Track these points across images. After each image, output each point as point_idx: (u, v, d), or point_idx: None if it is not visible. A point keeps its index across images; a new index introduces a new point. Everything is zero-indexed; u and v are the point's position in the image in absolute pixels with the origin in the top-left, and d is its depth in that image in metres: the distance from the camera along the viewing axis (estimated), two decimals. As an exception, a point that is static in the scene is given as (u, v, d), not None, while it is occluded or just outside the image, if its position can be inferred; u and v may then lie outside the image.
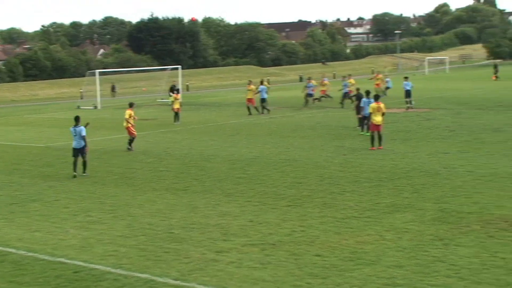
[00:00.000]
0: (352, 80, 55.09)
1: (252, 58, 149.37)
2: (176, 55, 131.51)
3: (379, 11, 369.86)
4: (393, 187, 21.11)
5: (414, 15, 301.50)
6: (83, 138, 25.42)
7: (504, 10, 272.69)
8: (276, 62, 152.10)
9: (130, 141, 31.68)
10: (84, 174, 25.42)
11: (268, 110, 48.38)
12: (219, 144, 32.58)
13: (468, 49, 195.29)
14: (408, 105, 48.73)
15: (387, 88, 62.06)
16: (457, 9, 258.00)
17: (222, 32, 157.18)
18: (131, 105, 32.57)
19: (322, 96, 56.92)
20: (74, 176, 25.01)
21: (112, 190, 22.45)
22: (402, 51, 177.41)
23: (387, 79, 65.00)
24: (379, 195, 20.02)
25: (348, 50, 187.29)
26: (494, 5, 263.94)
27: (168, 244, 15.45)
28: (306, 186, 21.74)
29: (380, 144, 29.21)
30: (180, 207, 19.38)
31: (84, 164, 25.66)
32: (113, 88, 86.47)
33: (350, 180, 22.53)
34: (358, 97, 36.85)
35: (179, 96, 46.71)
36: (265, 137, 34.80)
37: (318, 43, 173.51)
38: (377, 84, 61.07)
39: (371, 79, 64.56)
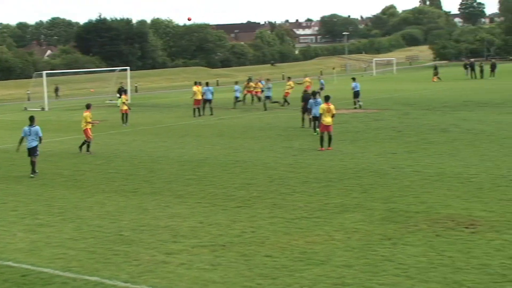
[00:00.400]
0: (308, 79, 56.06)
1: (201, 59, 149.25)
2: (124, 56, 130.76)
3: (327, 12, 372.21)
4: (342, 187, 21.28)
5: (361, 17, 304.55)
6: (39, 138, 25.38)
7: (449, 12, 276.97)
8: (225, 63, 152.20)
9: (85, 144, 31.14)
10: (31, 175, 25.26)
11: (211, 112, 48.47)
12: (168, 146, 32.48)
13: (414, 51, 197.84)
14: (356, 106, 49.36)
15: (321, 89, 62.78)
16: (404, 11, 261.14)
17: (171, 33, 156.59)
18: (88, 107, 32.03)
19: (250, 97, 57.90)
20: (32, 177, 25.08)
21: (61, 192, 22.22)
22: (350, 52, 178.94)
23: (321, 81, 66.07)
24: (328, 195, 20.16)
25: (296, 52, 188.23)
26: (440, 7, 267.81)
27: (118, 247, 15.35)
28: (256, 187, 21.79)
29: (329, 145, 29.41)
30: (130, 209, 19.26)
31: (33, 164, 25.48)
32: (56, 90, 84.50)
33: (300, 180, 22.64)
34: (305, 98, 37.41)
35: (127, 97, 46.27)
36: (214, 138, 34.80)
37: (267, 44, 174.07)
38: (308, 86, 60.91)
39: (300, 83, 65.09)
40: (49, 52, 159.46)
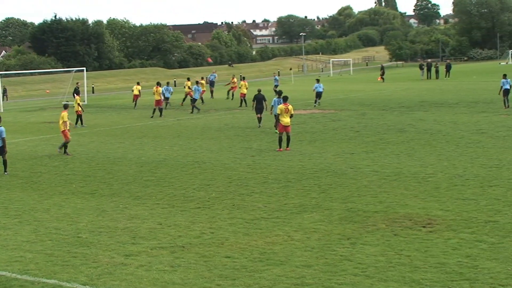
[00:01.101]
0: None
1: (158, 60, 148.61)
2: (81, 56, 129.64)
3: (284, 13, 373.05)
4: (301, 187, 21.36)
5: (318, 18, 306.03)
6: (2, 139, 25.53)
7: (404, 13, 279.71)
8: (182, 64, 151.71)
9: (64, 145, 30.76)
10: (5, 173, 25.61)
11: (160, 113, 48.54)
12: (126, 147, 32.30)
13: (371, 51, 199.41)
14: (315, 104, 49.83)
15: (276, 86, 63.46)
16: (360, 12, 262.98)
17: (127, 33, 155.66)
18: (65, 107, 31.59)
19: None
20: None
21: (17, 194, 21.96)
22: (307, 53, 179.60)
23: (276, 77, 66.62)
24: (287, 195, 20.22)
25: (254, 52, 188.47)
26: (395, 8, 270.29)
27: (76, 249, 15.22)
28: (215, 188, 21.78)
29: (287, 145, 29.50)
30: (88, 211, 19.12)
31: (5, 163, 25.79)
32: (4, 92, 78.66)
33: (259, 181, 22.68)
34: (257, 98, 38.61)
35: (80, 98, 45.58)
36: (172, 139, 34.69)
37: (224, 45, 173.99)
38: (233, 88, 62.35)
39: (227, 84, 66.04)
40: (3, 52, 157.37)
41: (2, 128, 25.59)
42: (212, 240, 15.59)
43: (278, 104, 32.06)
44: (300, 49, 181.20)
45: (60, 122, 30.64)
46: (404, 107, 47.98)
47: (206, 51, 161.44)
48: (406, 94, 61.77)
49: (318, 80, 52.70)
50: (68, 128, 30.73)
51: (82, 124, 43.11)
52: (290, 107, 29.55)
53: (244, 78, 59.81)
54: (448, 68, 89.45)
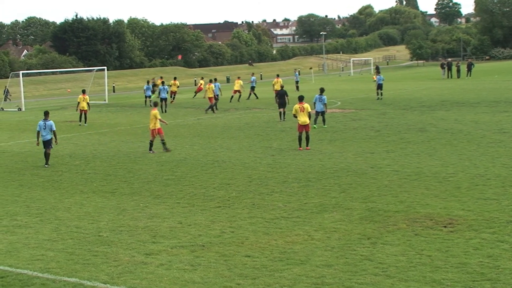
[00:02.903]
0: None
1: (179, 59, 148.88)
2: (101, 56, 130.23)
3: (304, 12, 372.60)
4: (321, 187, 21.32)
5: (339, 17, 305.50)
6: (53, 132, 27.57)
7: (425, 12, 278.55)
8: (202, 63, 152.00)
9: (163, 142, 30.65)
10: (45, 165, 27.18)
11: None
12: (146, 146, 32.34)
13: (391, 50, 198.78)
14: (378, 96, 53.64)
15: (253, 87, 63.63)
16: (381, 11, 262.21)
17: (147, 33, 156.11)
18: (155, 105, 31.49)
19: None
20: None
21: (39, 193, 22.09)
22: (328, 52, 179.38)
23: (252, 78, 66.45)
24: (307, 195, 20.20)
25: (274, 51, 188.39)
26: (416, 7, 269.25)
27: (97, 247, 15.29)
28: (235, 187, 21.79)
29: (307, 144, 29.47)
30: (108, 210, 19.19)
31: (47, 156, 27.54)
32: (6, 93, 73.44)
33: (279, 180, 22.67)
34: (279, 93, 42.18)
35: (87, 96, 45.65)
36: (193, 138, 34.75)
37: (244, 44, 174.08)
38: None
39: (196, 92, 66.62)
40: (25, 52, 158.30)
41: (51, 121, 27.61)
42: (232, 239, 15.60)
43: (319, 101, 33.37)
44: (321, 48, 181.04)
45: (152, 120, 30.40)
46: (425, 106, 47.77)
47: (226, 50, 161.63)
48: (427, 93, 61.47)
49: (378, 72, 55.70)
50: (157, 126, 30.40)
51: (85, 122, 43.57)
52: (306, 105, 29.50)
53: (212, 80, 58.49)
54: (470, 67, 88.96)
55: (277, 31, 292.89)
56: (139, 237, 16.11)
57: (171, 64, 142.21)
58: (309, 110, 29.71)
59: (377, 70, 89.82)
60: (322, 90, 36.47)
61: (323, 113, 36.59)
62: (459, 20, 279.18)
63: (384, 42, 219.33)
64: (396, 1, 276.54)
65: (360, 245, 14.73)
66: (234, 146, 31.41)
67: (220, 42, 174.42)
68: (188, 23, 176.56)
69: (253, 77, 66.65)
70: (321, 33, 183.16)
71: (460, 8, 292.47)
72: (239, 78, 64.48)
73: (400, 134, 33.29)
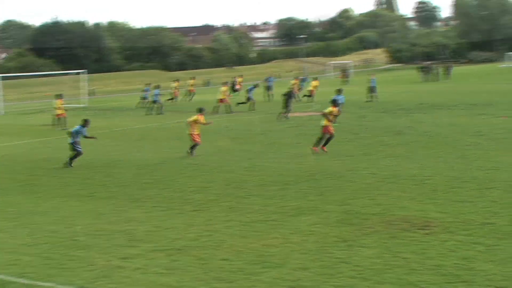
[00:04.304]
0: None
1: (158, 62, 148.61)
2: (80, 59, 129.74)
3: (284, 15, 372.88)
4: (299, 190, 21.35)
5: (318, 20, 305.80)
6: (85, 136, 28.30)
7: (404, 15, 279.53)
8: (182, 66, 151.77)
9: (194, 147, 30.12)
10: (69, 165, 27.81)
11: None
12: (124, 149, 32.29)
13: (370, 54, 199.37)
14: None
15: (235, 91, 64.11)
16: (360, 14, 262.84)
17: (126, 36, 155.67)
18: (201, 111, 30.66)
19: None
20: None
21: (15, 198, 21.95)
22: (307, 55, 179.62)
23: (271, 78, 66.59)
24: (285, 198, 20.22)
25: (253, 55, 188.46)
26: (396, 11, 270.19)
27: (73, 252, 15.22)
28: (213, 191, 21.77)
29: (324, 144, 29.28)
30: (85, 214, 19.11)
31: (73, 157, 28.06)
32: None
33: (256, 183, 22.67)
34: (288, 94, 45.15)
35: (62, 101, 45.44)
36: (171, 142, 34.69)
37: (224, 47, 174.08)
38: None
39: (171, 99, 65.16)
40: (3, 55, 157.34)
41: (85, 128, 28.35)
42: (209, 243, 15.59)
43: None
44: (300, 51, 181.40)
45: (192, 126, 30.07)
46: (403, 109, 47.97)
47: (205, 53, 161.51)
48: (405, 96, 61.77)
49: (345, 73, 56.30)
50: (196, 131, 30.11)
51: (62, 126, 43.33)
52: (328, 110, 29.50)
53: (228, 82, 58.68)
54: (448, 70, 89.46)
55: (257, 34, 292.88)
56: (115, 241, 16.06)
57: (150, 67, 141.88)
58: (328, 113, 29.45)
59: (344, 74, 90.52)
60: (340, 91, 40.25)
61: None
62: (437, 23, 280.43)
63: (363, 46, 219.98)
64: (375, 5, 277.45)
65: (336, 248, 14.77)
66: (212, 149, 31.38)
67: (199, 45, 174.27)
68: (167, 26, 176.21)
69: (271, 78, 68.48)
70: (300, 36, 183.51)
71: (439, 11, 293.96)
72: (226, 83, 57.42)
73: (378, 137, 33.41)
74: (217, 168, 26.20)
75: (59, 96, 45.63)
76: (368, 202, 19.16)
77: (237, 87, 68.95)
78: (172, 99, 64.34)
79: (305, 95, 61.55)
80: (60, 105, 44.30)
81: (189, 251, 14.98)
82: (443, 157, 26.58)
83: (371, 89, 57.08)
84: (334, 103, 30.02)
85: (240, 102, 54.95)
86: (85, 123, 28.40)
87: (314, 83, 63.03)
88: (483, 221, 16.70)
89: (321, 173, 24.19)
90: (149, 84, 64.54)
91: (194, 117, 30.11)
